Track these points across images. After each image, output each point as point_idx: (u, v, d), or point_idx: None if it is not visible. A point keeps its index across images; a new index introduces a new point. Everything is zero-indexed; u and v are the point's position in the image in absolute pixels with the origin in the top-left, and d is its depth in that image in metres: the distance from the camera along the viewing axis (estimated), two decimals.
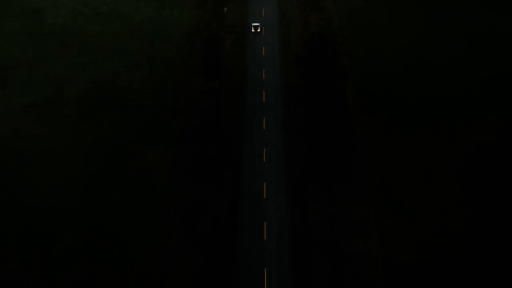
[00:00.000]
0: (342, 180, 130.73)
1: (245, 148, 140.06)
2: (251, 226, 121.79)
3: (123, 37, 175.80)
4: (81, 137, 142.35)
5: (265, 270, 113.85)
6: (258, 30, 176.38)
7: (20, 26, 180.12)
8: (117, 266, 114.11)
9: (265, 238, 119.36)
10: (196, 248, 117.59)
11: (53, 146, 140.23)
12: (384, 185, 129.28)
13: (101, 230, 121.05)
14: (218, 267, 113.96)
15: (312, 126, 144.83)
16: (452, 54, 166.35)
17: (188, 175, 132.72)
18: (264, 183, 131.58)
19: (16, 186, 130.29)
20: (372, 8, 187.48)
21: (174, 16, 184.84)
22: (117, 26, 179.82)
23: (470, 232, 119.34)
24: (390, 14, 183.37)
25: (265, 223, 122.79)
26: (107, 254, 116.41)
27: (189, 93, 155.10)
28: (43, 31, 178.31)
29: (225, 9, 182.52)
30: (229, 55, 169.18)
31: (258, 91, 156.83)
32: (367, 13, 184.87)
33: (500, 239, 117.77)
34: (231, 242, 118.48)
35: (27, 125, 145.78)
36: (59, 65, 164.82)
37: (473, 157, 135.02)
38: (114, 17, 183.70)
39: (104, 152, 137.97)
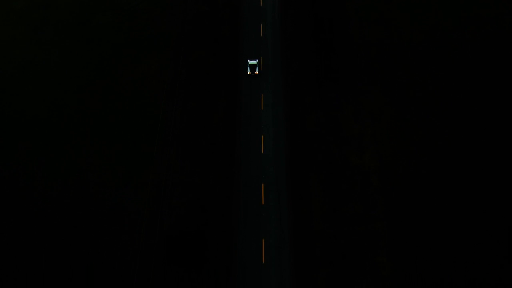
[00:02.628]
0: (340, 92, 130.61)
1: (242, 55, 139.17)
2: (248, 140, 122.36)
3: None
4: (76, 42, 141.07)
5: (263, 185, 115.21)
6: (256, 72, 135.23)
7: None
8: (116, 182, 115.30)
9: (262, 152, 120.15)
10: (194, 163, 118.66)
11: (48, 53, 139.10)
12: (382, 97, 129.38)
13: (100, 141, 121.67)
14: (216, 183, 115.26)
15: (310, 33, 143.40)
16: None
17: (185, 86, 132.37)
18: (262, 94, 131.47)
19: (13, 96, 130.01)
20: None
21: None
22: None
23: (469, 144, 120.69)
24: None
25: (262, 136, 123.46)
26: (105, 172, 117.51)
27: None
28: None
29: None
30: None
31: None
32: None
33: (499, 152, 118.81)
34: (228, 157, 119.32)
35: (21, 31, 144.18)
36: None
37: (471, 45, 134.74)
38: None
39: (100, 59, 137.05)
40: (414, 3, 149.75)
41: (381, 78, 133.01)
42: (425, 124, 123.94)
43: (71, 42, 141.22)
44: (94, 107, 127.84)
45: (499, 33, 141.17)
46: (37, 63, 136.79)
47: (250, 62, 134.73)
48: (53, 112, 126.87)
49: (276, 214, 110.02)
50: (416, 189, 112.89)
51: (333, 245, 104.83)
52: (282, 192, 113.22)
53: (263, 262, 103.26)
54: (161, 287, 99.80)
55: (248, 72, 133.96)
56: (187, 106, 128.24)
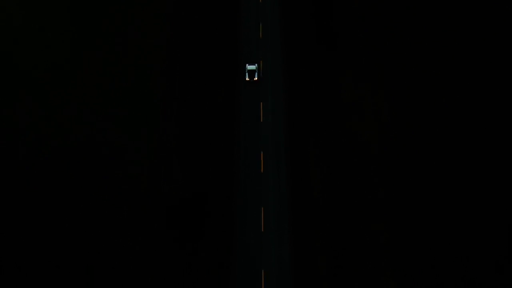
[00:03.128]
0: (340, 57, 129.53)
1: (241, 22, 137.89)
2: (248, 107, 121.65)
3: None
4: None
5: (262, 153, 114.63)
6: (256, 79, 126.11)
7: None
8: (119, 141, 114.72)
9: (261, 120, 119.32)
10: (192, 132, 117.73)
11: (43, 20, 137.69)
12: (382, 62, 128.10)
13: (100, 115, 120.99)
14: (215, 150, 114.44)
15: None
16: None
17: (185, 51, 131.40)
18: (261, 61, 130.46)
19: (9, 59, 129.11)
20: None
21: None
22: None
23: (472, 109, 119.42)
24: None
25: (261, 103, 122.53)
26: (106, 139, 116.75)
27: None
28: None
29: None
30: None
31: None
32: None
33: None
34: (228, 124, 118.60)
35: None
36: None
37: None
38: None
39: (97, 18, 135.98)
40: None
41: (381, 42, 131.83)
42: (426, 89, 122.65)
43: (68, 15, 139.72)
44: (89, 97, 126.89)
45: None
46: (31, 26, 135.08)
47: (249, 67, 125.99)
48: (50, 78, 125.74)
49: (275, 181, 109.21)
50: (416, 156, 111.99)
51: (332, 212, 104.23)
52: (281, 160, 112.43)
53: (263, 230, 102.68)
54: (161, 254, 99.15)
55: (247, 79, 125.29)
56: (188, 73, 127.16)
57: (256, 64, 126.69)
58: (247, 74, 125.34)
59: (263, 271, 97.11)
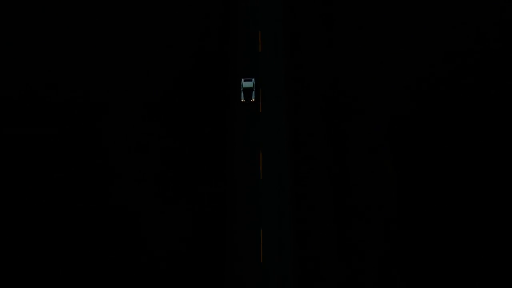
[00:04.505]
0: None
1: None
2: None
3: None
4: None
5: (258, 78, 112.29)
6: (252, 100, 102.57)
7: None
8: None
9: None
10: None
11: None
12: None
13: None
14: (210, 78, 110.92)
15: None
16: None
17: None
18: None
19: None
20: None
21: None
22: None
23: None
24: None
25: (259, 32, 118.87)
26: None
27: None
28: None
29: None
30: None
31: None
32: None
33: None
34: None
35: None
36: None
37: None
38: None
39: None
40: None
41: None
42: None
43: None
44: None
45: None
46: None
47: (245, 84, 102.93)
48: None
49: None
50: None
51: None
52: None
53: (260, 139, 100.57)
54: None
55: (242, 100, 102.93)
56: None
57: (253, 80, 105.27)
58: (242, 93, 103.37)
59: (260, 180, 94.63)
